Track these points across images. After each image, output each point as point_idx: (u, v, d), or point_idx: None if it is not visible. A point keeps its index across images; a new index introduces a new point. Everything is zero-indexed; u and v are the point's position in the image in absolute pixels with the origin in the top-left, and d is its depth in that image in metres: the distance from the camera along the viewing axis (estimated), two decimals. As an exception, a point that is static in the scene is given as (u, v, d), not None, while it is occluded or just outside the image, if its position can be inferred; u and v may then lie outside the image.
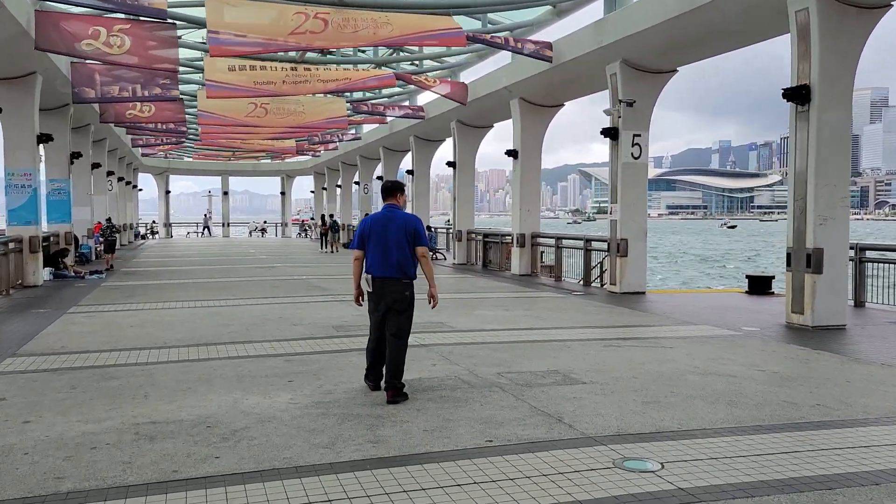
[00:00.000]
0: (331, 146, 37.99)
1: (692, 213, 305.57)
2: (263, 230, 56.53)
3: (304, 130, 24.74)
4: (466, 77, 22.71)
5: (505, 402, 5.99)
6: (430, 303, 6.43)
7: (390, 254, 6.26)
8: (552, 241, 18.56)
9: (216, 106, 20.44)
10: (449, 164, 23.71)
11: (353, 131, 33.51)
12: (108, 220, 24.23)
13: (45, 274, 17.19)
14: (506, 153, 19.45)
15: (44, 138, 16.14)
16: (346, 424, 5.36)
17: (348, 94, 24.90)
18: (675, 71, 14.80)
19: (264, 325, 10.19)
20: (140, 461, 4.56)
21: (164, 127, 26.56)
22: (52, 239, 19.21)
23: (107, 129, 26.55)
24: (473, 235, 23.34)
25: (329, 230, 33.22)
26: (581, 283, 16.85)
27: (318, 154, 42.32)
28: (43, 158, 18.19)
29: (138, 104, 21.81)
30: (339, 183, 42.10)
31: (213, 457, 4.64)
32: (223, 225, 53.00)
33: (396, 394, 6.09)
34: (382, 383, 6.33)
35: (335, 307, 12.15)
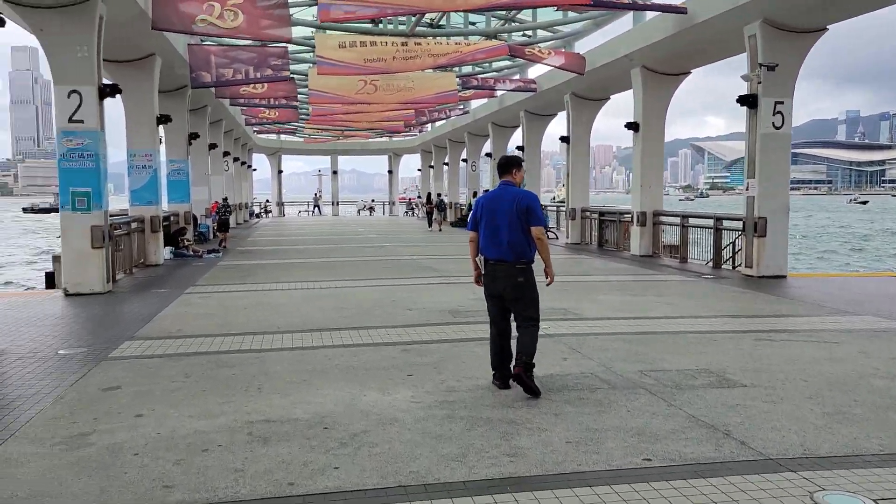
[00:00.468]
0: (438, 123, 37.62)
1: (815, 189, 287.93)
2: (371, 208, 57.14)
3: (413, 106, 24.23)
4: (581, 48, 21.56)
5: (656, 409, 5.20)
6: (547, 282, 5.84)
7: (501, 234, 5.67)
8: (676, 220, 17.30)
9: (326, 84, 20.28)
10: (562, 139, 22.68)
11: (461, 107, 32.93)
12: (224, 199, 24.77)
13: (166, 253, 17.58)
14: (626, 126, 18.27)
15: (163, 119, 16.39)
16: (477, 431, 4.74)
17: (458, 68, 24.34)
18: (824, 30, 13.23)
19: (378, 309, 9.75)
20: (253, 469, 4.10)
21: (276, 102, 26.74)
22: (172, 218, 19.69)
23: (223, 110, 27.10)
24: (588, 213, 22.28)
25: (435, 209, 32.98)
26: (709, 264, 15.59)
27: (423, 131, 42.07)
28: (163, 140, 18.57)
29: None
30: (446, 161, 41.68)
31: (332, 467, 4.13)
32: (333, 204, 53.85)
33: (526, 368, 5.53)
34: (510, 381, 5.72)
35: (449, 290, 11.60)
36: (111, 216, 16.41)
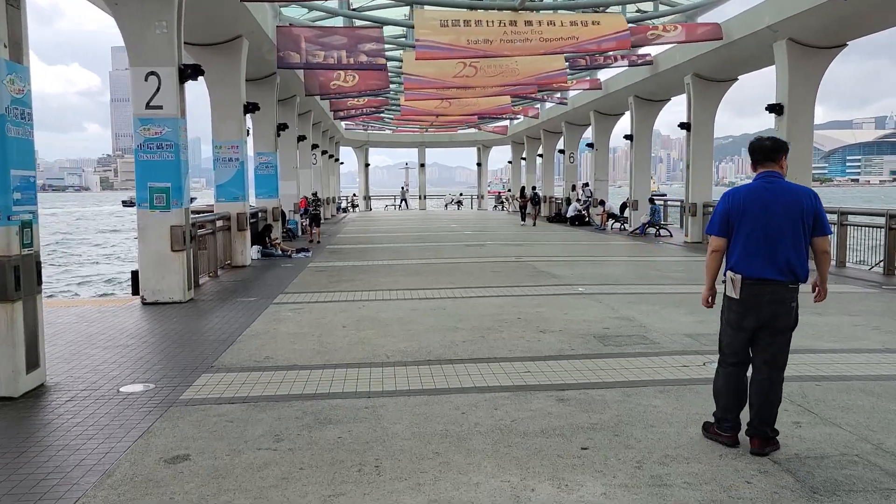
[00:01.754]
0: (531, 112, 35.52)
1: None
2: (459, 202, 55.52)
3: (517, 89, 22.17)
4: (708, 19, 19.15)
5: None
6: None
7: (778, 246, 4.16)
8: (832, 217, 14.81)
9: (423, 68, 18.62)
10: (682, 125, 20.30)
11: (558, 95, 30.78)
12: (314, 193, 23.57)
13: (254, 252, 16.32)
14: (767, 109, 15.82)
15: (251, 107, 15.07)
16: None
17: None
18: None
19: (502, 330, 7.96)
20: None
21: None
22: (259, 215, 18.47)
23: (311, 102, 25.90)
24: (711, 209, 19.87)
25: (529, 202, 31.38)
26: (875, 270, 13.10)
27: (517, 118, 39.98)
28: (250, 131, 17.34)
29: (342, 74, 20.76)
30: (540, 152, 39.55)
31: None
32: (420, 198, 52.53)
33: (766, 443, 4.26)
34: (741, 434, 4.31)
35: (581, 305, 9.69)
36: (194, 213, 15.27)
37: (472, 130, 49.27)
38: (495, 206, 51.82)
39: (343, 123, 41.25)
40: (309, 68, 17.96)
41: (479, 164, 52.57)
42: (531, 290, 11.00)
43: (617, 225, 26.56)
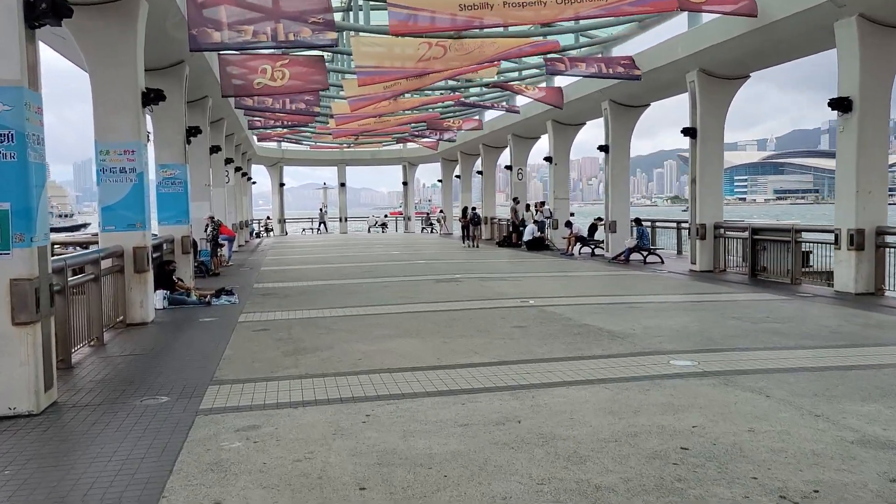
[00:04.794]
0: (466, 126, 32.07)
1: (802, 198, 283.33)
2: (384, 225, 51.28)
3: (503, 58, 18.23)
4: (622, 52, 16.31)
5: None
6: None
7: None
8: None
9: (378, 53, 14.64)
10: (685, 131, 17.00)
11: (504, 104, 27.35)
12: (212, 217, 19.06)
13: (158, 300, 11.72)
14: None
15: (153, 96, 10.54)
16: None
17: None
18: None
19: (609, 460, 3.99)
20: None
21: (294, 107, 21.33)
22: (164, 248, 13.79)
23: (225, 107, 21.29)
24: (723, 231, 16.64)
25: (469, 223, 28.38)
26: None
27: (450, 135, 36.38)
28: (150, 136, 12.77)
29: (269, 69, 16.56)
30: (479, 169, 35.98)
31: None
32: (340, 220, 47.97)
33: None
34: None
35: (752, 407, 5.84)
36: (62, 250, 10.81)
37: (398, 147, 45.35)
38: (423, 229, 47.92)
39: (255, 137, 36.40)
40: (233, 49, 13.63)
41: (405, 183, 48.50)
42: (616, 368, 7.07)
43: (586, 250, 23.13)
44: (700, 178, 16.81)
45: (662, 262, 19.03)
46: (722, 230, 16.67)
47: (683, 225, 22.63)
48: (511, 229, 28.65)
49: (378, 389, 6.39)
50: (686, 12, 15.22)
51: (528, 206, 28.84)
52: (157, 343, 9.08)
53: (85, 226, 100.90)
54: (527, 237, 25.87)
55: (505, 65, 21.52)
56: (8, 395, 5.69)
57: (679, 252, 22.09)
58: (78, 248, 14.19)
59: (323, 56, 17.25)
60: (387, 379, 6.76)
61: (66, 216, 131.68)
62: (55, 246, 13.91)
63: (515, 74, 23.75)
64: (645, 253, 19.53)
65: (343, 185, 47.92)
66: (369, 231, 50.18)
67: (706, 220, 16.71)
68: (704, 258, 16.74)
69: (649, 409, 5.56)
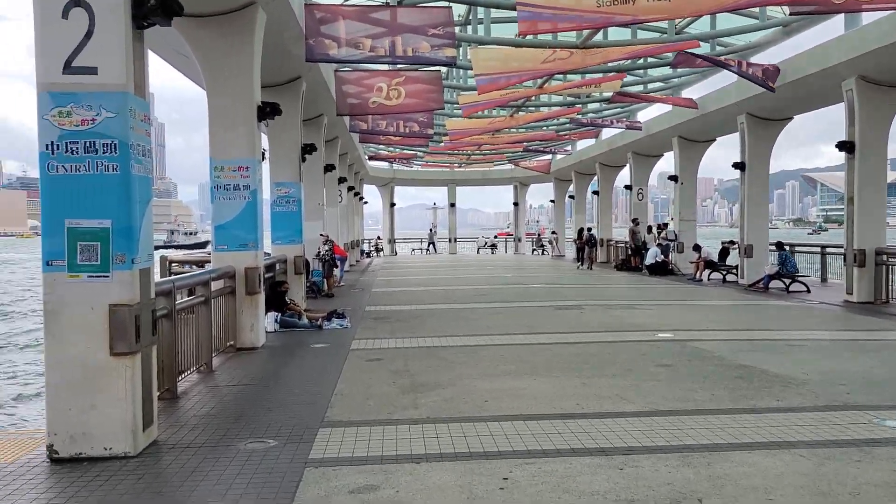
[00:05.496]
0: (579, 146, 30.79)
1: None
2: (493, 246, 50.43)
3: (641, 55, 16.80)
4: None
5: None
6: None
7: None
8: None
9: (498, 61, 13.85)
10: (841, 145, 15.17)
11: (626, 118, 25.96)
12: (326, 236, 18.74)
13: (269, 322, 11.24)
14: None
15: (268, 110, 10.08)
16: None
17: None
18: None
19: None
20: None
21: (407, 129, 21.00)
22: (277, 268, 13.41)
23: (339, 126, 21.06)
24: (885, 258, 14.68)
25: (585, 245, 27.80)
26: None
27: (560, 152, 35.10)
28: (265, 154, 12.43)
29: (384, 87, 16.16)
30: (595, 189, 34.53)
31: None
32: (449, 241, 47.50)
33: None
34: None
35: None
36: (170, 271, 10.50)
37: (508, 167, 44.53)
38: (534, 250, 46.70)
39: (367, 157, 36.47)
40: (350, 62, 13.23)
41: (515, 204, 47.52)
42: (804, 428, 5.77)
43: (716, 275, 21.33)
44: (858, 197, 14.93)
45: (808, 291, 17.10)
46: (884, 256, 14.71)
47: (829, 250, 20.55)
48: (630, 252, 27.10)
49: (513, 443, 5.41)
50: (840, 14, 13.57)
51: (649, 228, 27.21)
52: (266, 371, 8.47)
53: (207, 243, 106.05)
54: (649, 260, 24.29)
55: (629, 78, 20.35)
56: (103, 435, 5.09)
57: (823, 279, 20.00)
58: (194, 266, 14.07)
59: (440, 73, 16.66)
60: (521, 428, 5.76)
61: (191, 234, 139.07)
62: (172, 265, 13.81)
63: (640, 88, 22.40)
64: (788, 281, 17.65)
65: (453, 205, 47.48)
66: (478, 252, 49.45)
67: (865, 245, 14.79)
68: (863, 288, 14.81)
69: (872, 492, 4.30)
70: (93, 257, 5.05)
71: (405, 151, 33.38)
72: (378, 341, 10.41)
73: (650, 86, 22.36)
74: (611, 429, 5.74)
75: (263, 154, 11.59)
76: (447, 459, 5.06)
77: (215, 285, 8.97)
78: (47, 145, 5.05)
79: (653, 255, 24.25)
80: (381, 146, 31.40)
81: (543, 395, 6.91)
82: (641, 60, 18.61)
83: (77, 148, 5.05)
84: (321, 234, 18.33)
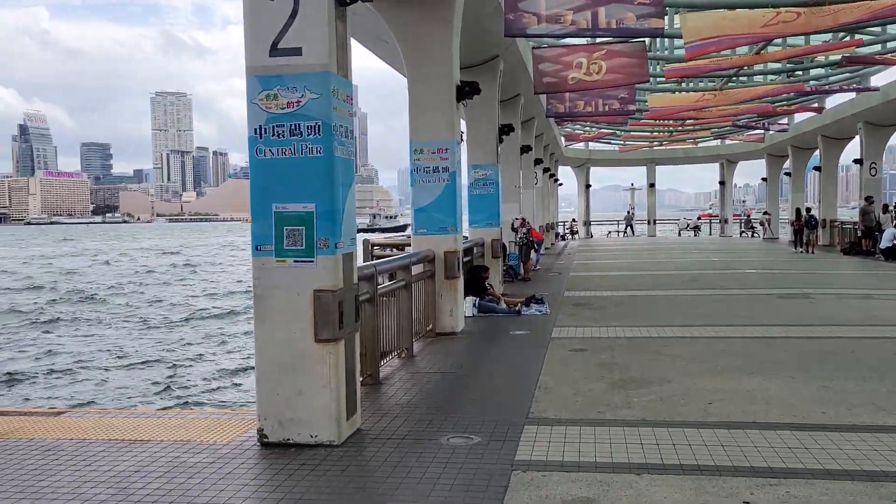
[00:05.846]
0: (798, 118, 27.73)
1: None
2: (697, 227, 47.62)
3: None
4: None
5: None
6: None
7: None
8: None
9: (711, 24, 12.59)
10: None
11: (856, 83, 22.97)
12: (523, 219, 18.27)
13: (468, 307, 11.06)
14: None
15: (467, 90, 9.82)
16: None
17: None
18: None
19: None
20: None
21: (607, 106, 20.08)
22: (475, 251, 13.24)
23: (535, 106, 20.56)
24: None
25: (804, 226, 25.29)
26: None
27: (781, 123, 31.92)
28: (463, 135, 12.21)
29: (584, 63, 15.43)
30: (817, 165, 31.20)
31: None
32: (648, 223, 45.44)
33: None
34: None
35: None
36: (380, 253, 10.60)
37: (715, 143, 41.62)
38: (742, 232, 43.39)
39: (562, 138, 35.64)
40: (550, 36, 12.68)
41: (721, 183, 44.41)
42: None
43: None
44: None
45: None
46: None
47: None
48: (861, 234, 24.09)
49: (749, 457, 4.64)
50: None
51: (885, 207, 24.04)
52: (466, 359, 8.24)
53: (406, 226, 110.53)
54: (885, 244, 21.42)
55: (861, 37, 17.85)
56: (309, 422, 5.03)
57: None
58: (395, 249, 14.31)
59: (644, 44, 15.58)
60: (756, 439, 4.97)
61: (391, 217, 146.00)
62: (374, 247, 14.12)
63: (876, 49, 19.64)
64: None
65: (652, 185, 45.33)
66: (679, 234, 46.90)
67: None
68: None
69: None
70: (298, 242, 4.99)
71: (602, 130, 32.22)
72: (580, 329, 9.85)
73: (890, 44, 19.51)
74: (871, 446, 4.79)
75: (461, 136, 11.41)
76: (671, 472, 4.43)
77: (415, 269, 8.88)
78: (255, 129, 5.04)
79: (889, 238, 21.35)
80: (578, 126, 30.53)
81: (778, 399, 6.00)
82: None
83: (283, 131, 4.99)
84: (516, 218, 17.99)
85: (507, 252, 17.06)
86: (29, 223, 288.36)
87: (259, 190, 5.06)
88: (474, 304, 11.47)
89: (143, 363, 18.31)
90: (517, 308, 11.71)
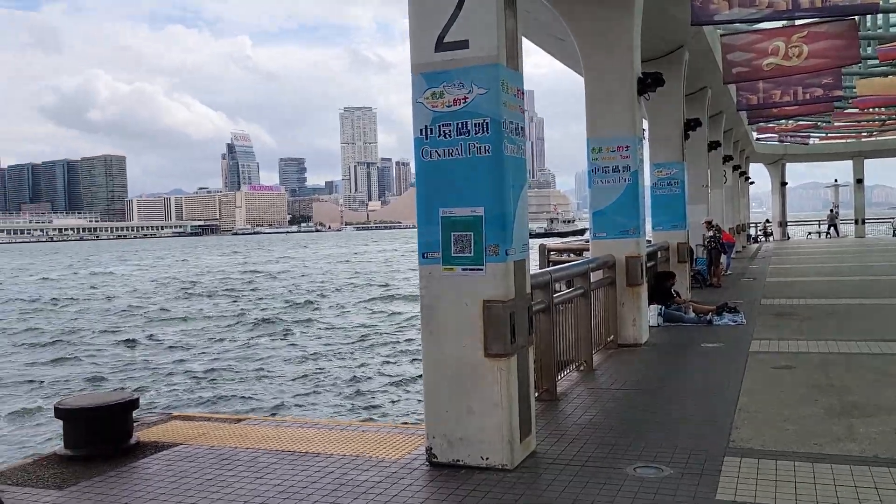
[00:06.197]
0: None
1: None
2: (915, 228, 42.32)
3: None
4: None
5: None
6: None
7: None
8: None
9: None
10: None
11: None
12: (709, 222, 16.84)
13: (652, 317, 10.25)
14: None
15: (649, 81, 9.07)
16: None
17: None
18: None
19: None
20: None
21: (807, 94, 18.14)
22: (658, 256, 12.35)
23: (724, 99, 19.07)
24: None
25: None
26: None
27: None
28: (646, 132, 11.41)
29: (782, 46, 14.04)
30: None
31: None
32: (856, 222, 40.99)
33: None
34: None
35: None
36: (557, 258, 10.23)
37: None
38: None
39: (754, 133, 33.02)
40: (743, 22, 11.56)
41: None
42: None
43: None
44: None
45: None
46: None
47: None
48: None
49: None
50: None
51: None
52: (651, 374, 7.54)
53: (584, 230, 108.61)
54: None
55: None
56: (480, 443, 4.66)
57: None
58: (572, 255, 13.73)
59: (854, 21, 13.84)
60: None
61: (569, 222, 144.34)
62: (551, 253, 13.65)
63: None
64: None
65: (860, 181, 40.89)
66: (894, 235, 41.91)
67: None
68: None
69: None
70: (466, 249, 4.64)
71: (801, 122, 29.45)
72: (783, 343, 8.74)
73: None
74: None
75: (643, 134, 10.63)
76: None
77: (594, 276, 8.28)
78: (421, 130, 4.77)
79: None
80: (773, 119, 28.09)
81: None
82: None
83: (449, 130, 4.68)
84: (704, 221, 16.67)
85: (695, 256, 15.88)
86: (235, 233, 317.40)
87: (425, 194, 4.78)
88: (659, 313, 10.63)
89: (326, 370, 18.88)
90: (708, 317, 10.72)
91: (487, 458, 4.65)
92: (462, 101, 4.65)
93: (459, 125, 4.65)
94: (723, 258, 17.50)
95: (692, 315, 10.93)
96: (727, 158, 23.20)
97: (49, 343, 24.94)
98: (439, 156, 4.72)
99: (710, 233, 16.52)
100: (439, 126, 4.71)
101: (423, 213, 4.79)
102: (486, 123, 4.59)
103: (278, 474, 4.71)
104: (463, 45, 4.63)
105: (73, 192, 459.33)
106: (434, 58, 4.70)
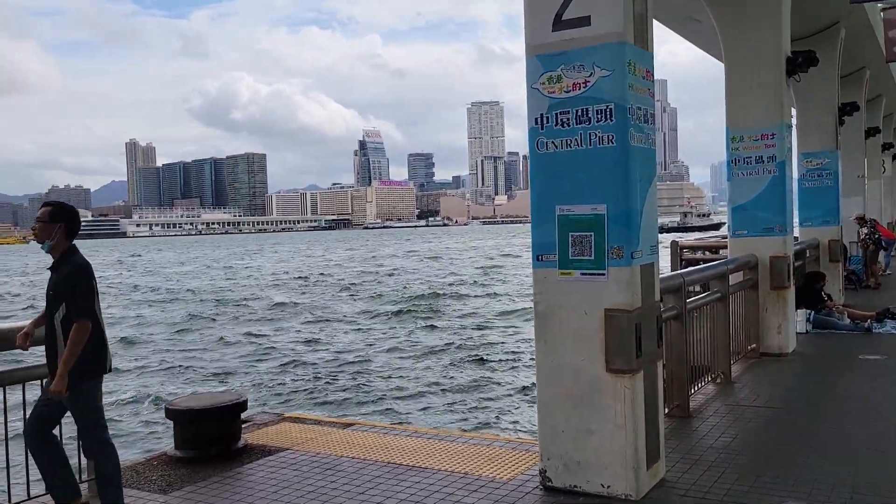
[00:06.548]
0: None
1: None
2: None
3: None
4: None
5: None
6: None
7: None
8: None
9: None
10: None
11: None
12: (861, 216, 15.14)
13: (800, 322, 9.24)
14: None
15: (800, 61, 8.10)
16: None
17: None
18: None
19: None
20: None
21: None
22: (807, 255, 11.20)
23: (885, 79, 17.17)
24: None
25: None
26: None
27: None
28: (794, 120, 10.32)
29: None
30: None
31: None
32: None
33: None
34: None
35: None
36: (690, 256, 9.55)
37: None
38: None
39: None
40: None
41: None
42: None
43: None
44: None
45: None
46: None
47: None
48: None
49: None
50: None
51: None
52: (799, 390, 6.70)
53: (720, 225, 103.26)
54: None
55: None
56: (600, 467, 4.16)
57: None
58: (706, 252, 12.77)
59: None
60: None
61: (703, 216, 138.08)
62: (683, 250, 12.77)
63: None
64: None
65: None
66: None
67: None
68: None
69: None
70: (586, 251, 4.14)
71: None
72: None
73: None
74: None
75: (790, 120, 9.60)
76: None
77: (733, 278, 7.49)
78: (536, 119, 4.30)
79: None
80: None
81: None
82: None
83: (568, 119, 4.19)
84: (856, 218, 15.02)
85: (849, 254, 14.38)
86: (366, 227, 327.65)
87: (540, 189, 4.32)
88: (808, 319, 9.59)
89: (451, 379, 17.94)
90: (866, 324, 9.56)
91: (609, 487, 4.14)
92: (582, 85, 4.14)
93: (579, 112, 4.16)
94: (881, 256, 15.79)
95: (847, 321, 9.79)
96: (887, 146, 20.94)
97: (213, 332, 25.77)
98: (556, 147, 4.24)
99: (865, 229, 14.92)
100: (556, 114, 4.23)
101: (538, 211, 4.33)
102: (610, 110, 4.07)
103: (381, 490, 4.42)
104: (584, 21, 4.13)
105: (219, 188, 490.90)
106: (551, 37, 4.22)
